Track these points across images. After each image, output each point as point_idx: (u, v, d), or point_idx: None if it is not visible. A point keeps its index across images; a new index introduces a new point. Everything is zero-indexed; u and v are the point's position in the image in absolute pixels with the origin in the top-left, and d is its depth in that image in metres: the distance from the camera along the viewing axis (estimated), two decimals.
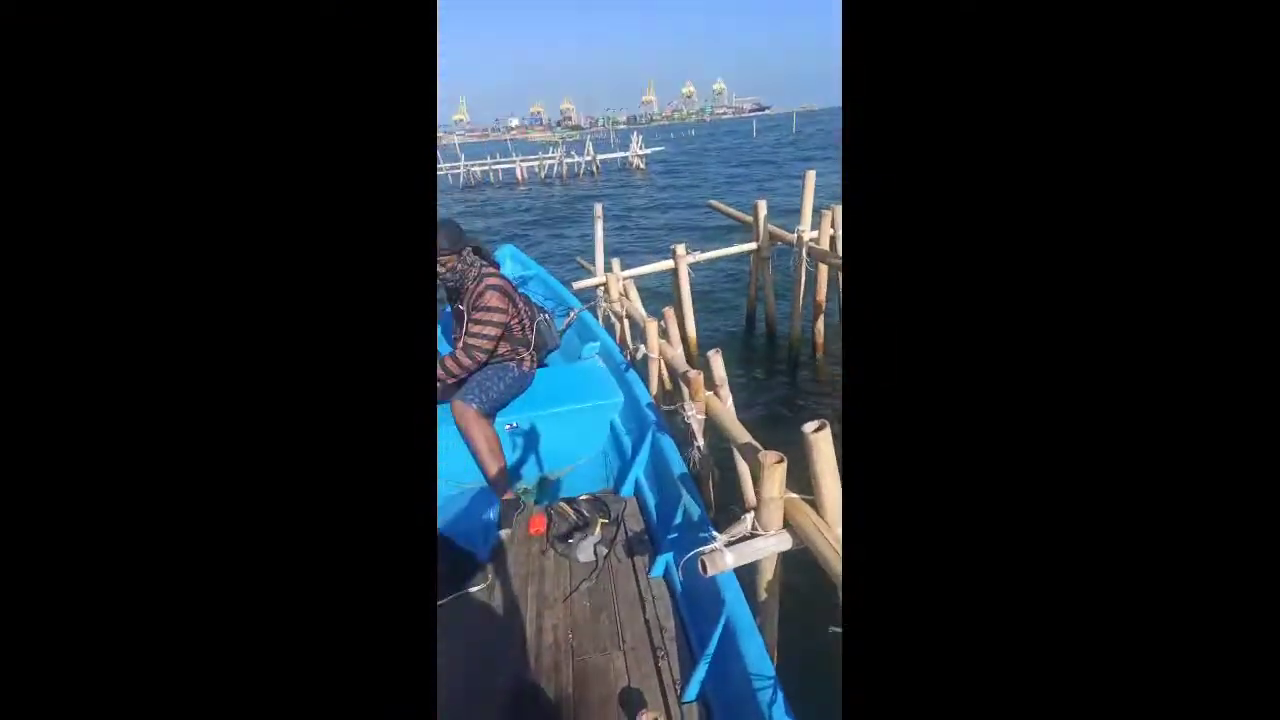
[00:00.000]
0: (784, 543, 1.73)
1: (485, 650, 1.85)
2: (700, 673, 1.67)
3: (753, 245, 5.42)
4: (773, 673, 1.52)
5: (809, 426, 1.64)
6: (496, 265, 2.69)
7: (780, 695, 1.48)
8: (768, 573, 1.90)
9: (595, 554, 2.20)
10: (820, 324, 5.37)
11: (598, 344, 3.31)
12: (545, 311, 2.96)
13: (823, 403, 4.89)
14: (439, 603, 2.04)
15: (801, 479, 1.75)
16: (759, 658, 1.56)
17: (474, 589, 2.09)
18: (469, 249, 2.53)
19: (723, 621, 1.67)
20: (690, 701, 1.63)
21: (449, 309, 2.77)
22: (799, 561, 1.82)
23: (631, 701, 1.65)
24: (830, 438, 1.63)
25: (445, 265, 2.45)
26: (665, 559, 2.11)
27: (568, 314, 3.68)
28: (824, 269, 5.06)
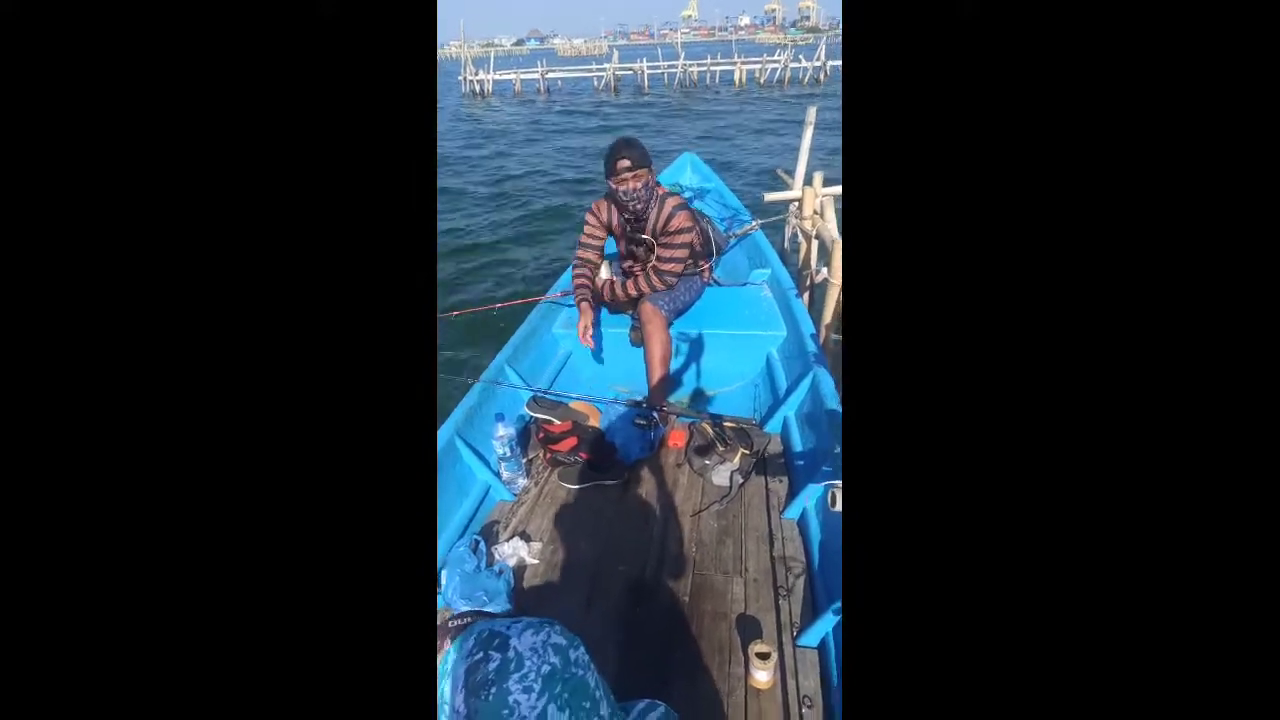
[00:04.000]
0: None
1: (611, 542, 1.93)
2: (824, 624, 1.57)
3: None
4: None
5: None
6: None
7: None
8: None
9: (730, 481, 2.14)
10: None
11: (767, 271, 3.11)
12: (705, 218, 2.84)
13: None
14: (574, 487, 2.16)
15: None
16: None
17: (609, 482, 2.18)
18: (651, 168, 2.42)
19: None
20: (806, 647, 1.54)
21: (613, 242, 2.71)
22: None
23: (746, 629, 1.60)
24: None
25: (632, 182, 2.35)
26: (801, 501, 1.99)
27: (742, 226, 3.48)
28: None
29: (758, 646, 1.48)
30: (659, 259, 2.45)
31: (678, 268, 2.47)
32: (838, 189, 4.44)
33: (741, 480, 2.13)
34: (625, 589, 1.75)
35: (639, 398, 2.48)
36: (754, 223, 3.55)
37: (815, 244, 3.76)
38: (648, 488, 2.17)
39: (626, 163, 2.31)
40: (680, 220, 2.39)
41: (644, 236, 2.48)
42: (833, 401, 2.20)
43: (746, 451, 2.20)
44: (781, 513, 1.99)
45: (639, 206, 2.40)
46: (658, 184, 2.46)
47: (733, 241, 3.49)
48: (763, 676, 1.45)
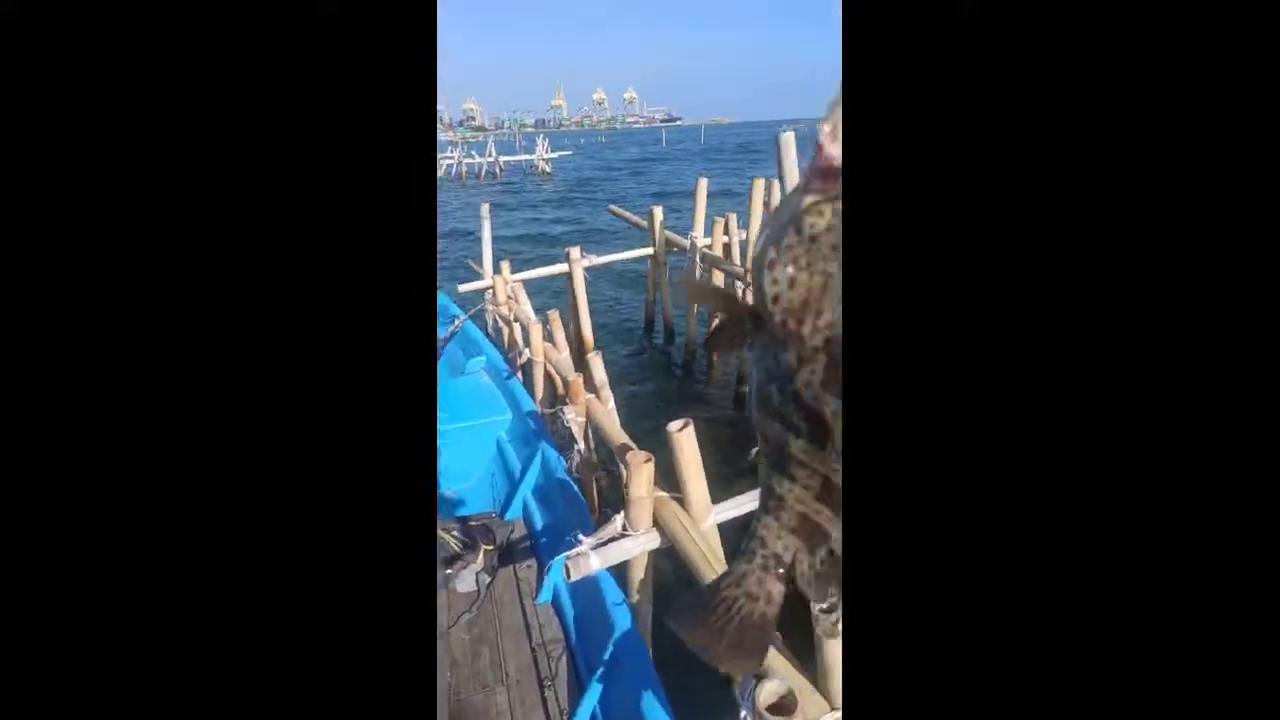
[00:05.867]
0: (652, 541, 1.73)
1: None
2: (590, 699, 1.62)
3: (649, 250, 5.48)
4: (660, 688, 1.50)
5: (674, 426, 1.65)
6: None
7: (665, 712, 1.47)
8: (640, 571, 1.89)
9: (478, 582, 2.10)
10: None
11: (483, 358, 3.22)
12: None
13: (715, 404, 5.02)
14: None
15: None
16: (646, 675, 1.54)
17: None
18: None
19: (612, 642, 1.64)
20: None
21: None
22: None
23: None
24: (693, 436, 1.65)
25: None
26: (550, 582, 2.05)
27: (451, 323, 3.57)
28: (719, 275, 5.21)
29: None
30: None
31: None
32: (528, 274, 4.83)
33: (489, 579, 2.11)
34: None
35: None
36: (459, 318, 3.64)
37: (516, 325, 4.00)
38: None
39: None
40: None
41: None
42: (560, 472, 2.35)
43: (489, 547, 2.20)
44: (535, 598, 2.02)
45: None
46: None
47: (447, 339, 3.53)
48: None
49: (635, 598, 1.93)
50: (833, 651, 1.25)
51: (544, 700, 1.69)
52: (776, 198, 1.86)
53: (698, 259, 5.02)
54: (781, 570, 0.62)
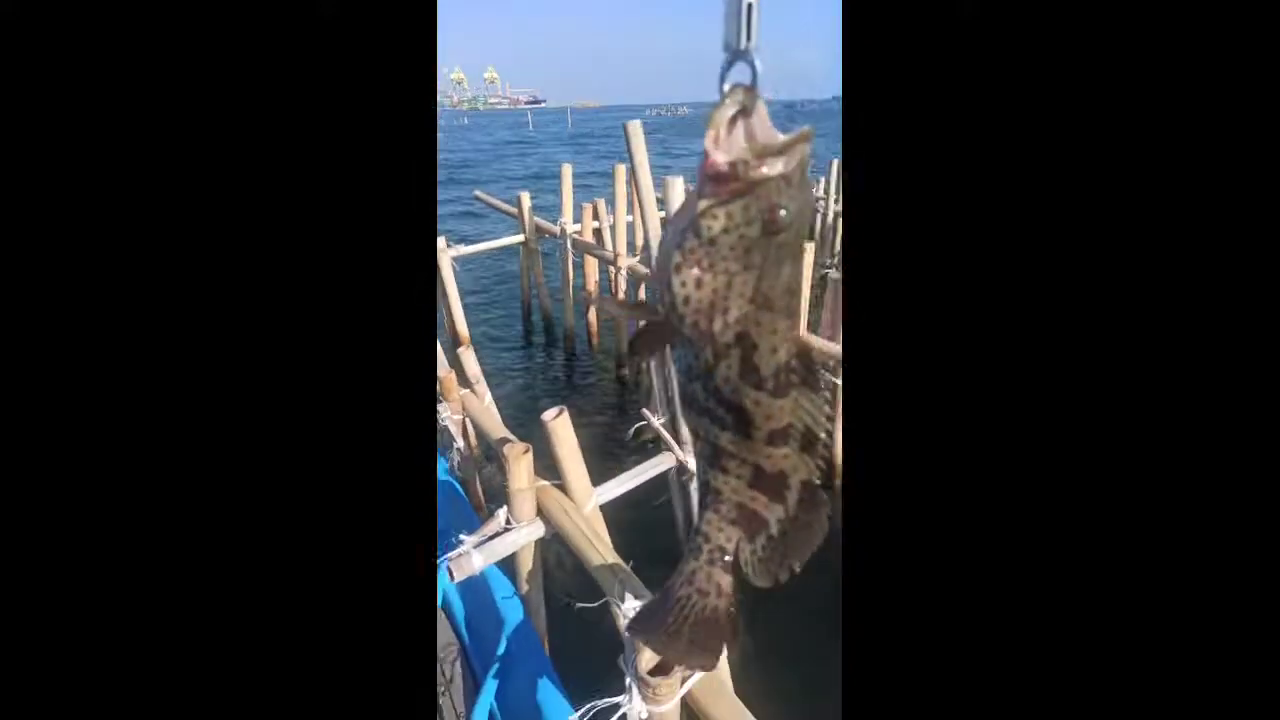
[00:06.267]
0: (536, 531, 1.75)
1: None
2: (486, 697, 1.61)
3: (520, 238, 5.39)
4: (554, 674, 1.53)
5: (548, 415, 1.68)
6: None
7: (563, 698, 1.49)
8: (528, 562, 1.91)
9: None
10: (592, 315, 5.57)
11: None
12: None
13: (596, 391, 5.09)
14: None
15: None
16: (540, 664, 1.56)
17: None
18: None
19: (504, 637, 1.64)
20: None
21: None
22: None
23: None
24: (568, 422, 1.68)
25: None
26: (440, 585, 2.01)
27: None
28: (592, 261, 5.24)
29: None
30: None
31: None
32: None
33: None
34: None
35: None
36: None
37: None
38: None
39: None
40: None
41: None
42: (442, 473, 2.29)
43: None
44: None
45: None
46: None
47: None
48: None
49: (525, 588, 1.95)
50: None
51: (439, 707, 1.67)
52: (643, 185, 1.91)
53: (569, 245, 5.03)
54: (728, 559, 0.63)
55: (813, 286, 4.13)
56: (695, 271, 0.50)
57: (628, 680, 1.20)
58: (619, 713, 1.20)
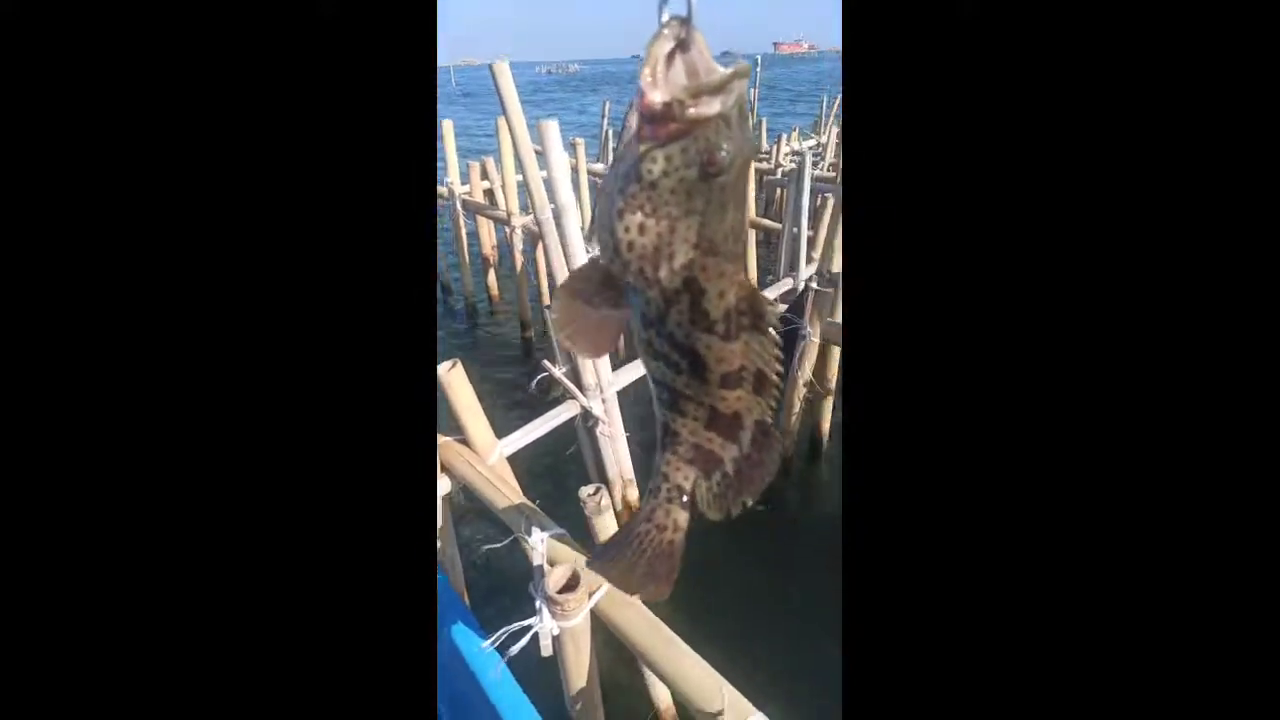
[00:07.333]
0: (442, 486, 1.78)
1: None
2: None
3: None
4: (470, 616, 1.58)
5: (442, 368, 1.69)
6: None
7: (477, 632, 1.55)
8: (438, 519, 1.94)
9: None
10: (491, 277, 5.46)
11: None
12: None
13: (502, 346, 5.05)
14: None
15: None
16: (456, 609, 1.61)
17: None
18: None
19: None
20: None
21: None
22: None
23: None
24: (463, 375, 1.70)
25: None
26: None
27: None
28: (485, 223, 5.11)
29: None
30: None
31: None
32: None
33: None
34: None
35: None
36: None
37: None
38: None
39: None
40: None
41: None
42: None
43: None
44: None
45: None
46: None
47: None
48: None
49: (440, 544, 1.98)
50: (601, 525, 1.47)
51: None
52: (517, 129, 1.89)
53: (458, 206, 4.87)
54: (685, 499, 0.65)
55: None
56: (638, 217, 0.49)
57: (537, 602, 1.29)
58: (530, 632, 1.28)
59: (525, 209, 4.55)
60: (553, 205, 1.97)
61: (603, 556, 0.71)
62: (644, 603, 1.34)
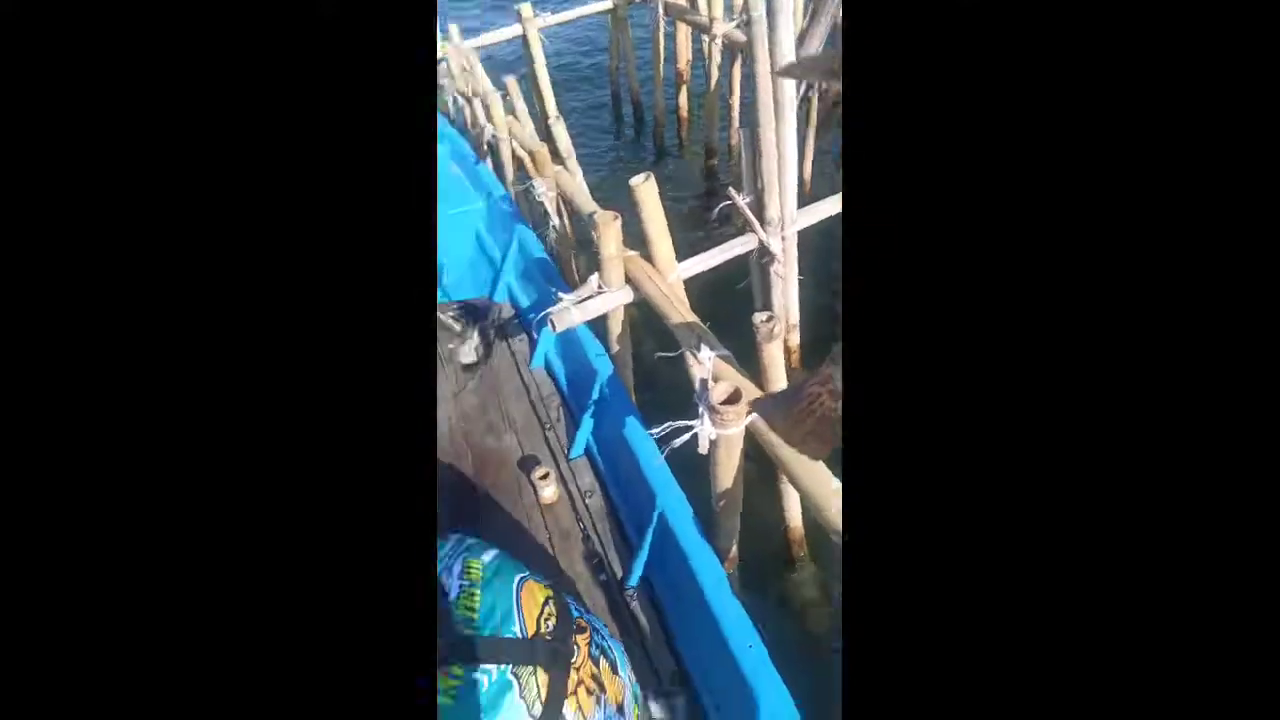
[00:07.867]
0: (626, 296, 1.92)
1: None
2: (584, 431, 1.97)
3: (607, 4, 4.91)
4: (637, 413, 1.80)
5: (636, 180, 1.73)
6: None
7: (645, 431, 1.76)
8: (617, 325, 2.13)
9: (477, 354, 2.36)
10: (684, 96, 5.20)
11: (446, 146, 3.12)
12: None
13: (686, 177, 4.97)
14: None
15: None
16: (626, 406, 1.84)
17: None
18: None
19: (597, 385, 1.97)
20: (577, 457, 1.97)
21: None
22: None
23: (527, 465, 1.97)
24: (654, 189, 1.74)
25: None
26: (541, 349, 2.31)
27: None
28: (683, 29, 4.75)
29: (537, 472, 1.84)
30: None
31: None
32: (480, 40, 4.40)
33: (485, 351, 2.36)
34: None
35: None
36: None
37: (477, 101, 3.78)
38: None
39: None
40: None
41: None
42: (537, 250, 2.48)
43: (484, 322, 2.42)
44: (529, 364, 2.29)
45: None
46: None
47: None
48: (548, 493, 1.83)
49: (615, 348, 2.20)
50: (769, 353, 1.53)
51: (546, 439, 2.05)
52: None
53: (660, 11, 4.55)
54: None
55: None
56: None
57: (700, 409, 1.42)
58: (690, 433, 1.44)
59: (730, 15, 4.13)
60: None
61: (768, 406, 0.74)
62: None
